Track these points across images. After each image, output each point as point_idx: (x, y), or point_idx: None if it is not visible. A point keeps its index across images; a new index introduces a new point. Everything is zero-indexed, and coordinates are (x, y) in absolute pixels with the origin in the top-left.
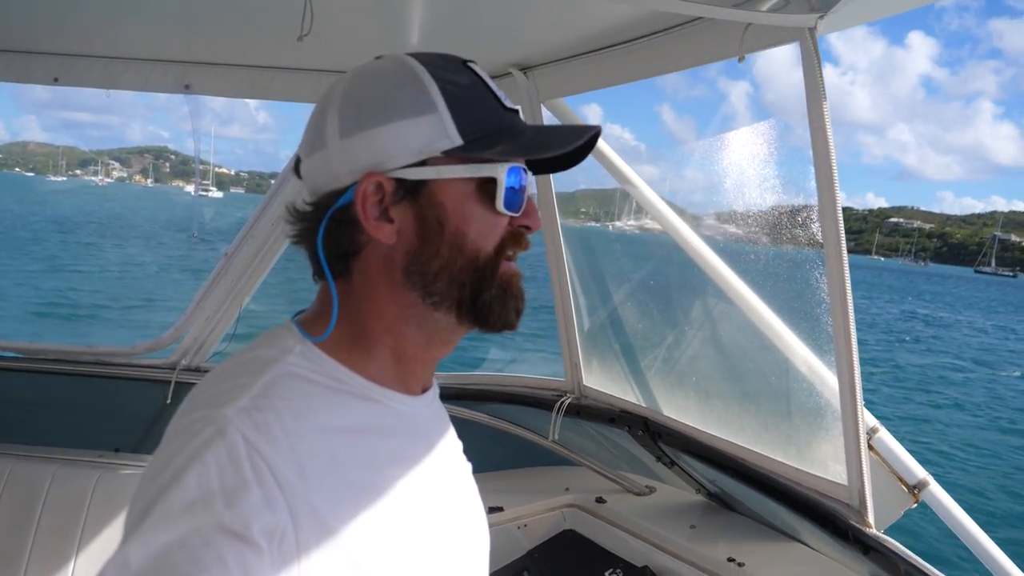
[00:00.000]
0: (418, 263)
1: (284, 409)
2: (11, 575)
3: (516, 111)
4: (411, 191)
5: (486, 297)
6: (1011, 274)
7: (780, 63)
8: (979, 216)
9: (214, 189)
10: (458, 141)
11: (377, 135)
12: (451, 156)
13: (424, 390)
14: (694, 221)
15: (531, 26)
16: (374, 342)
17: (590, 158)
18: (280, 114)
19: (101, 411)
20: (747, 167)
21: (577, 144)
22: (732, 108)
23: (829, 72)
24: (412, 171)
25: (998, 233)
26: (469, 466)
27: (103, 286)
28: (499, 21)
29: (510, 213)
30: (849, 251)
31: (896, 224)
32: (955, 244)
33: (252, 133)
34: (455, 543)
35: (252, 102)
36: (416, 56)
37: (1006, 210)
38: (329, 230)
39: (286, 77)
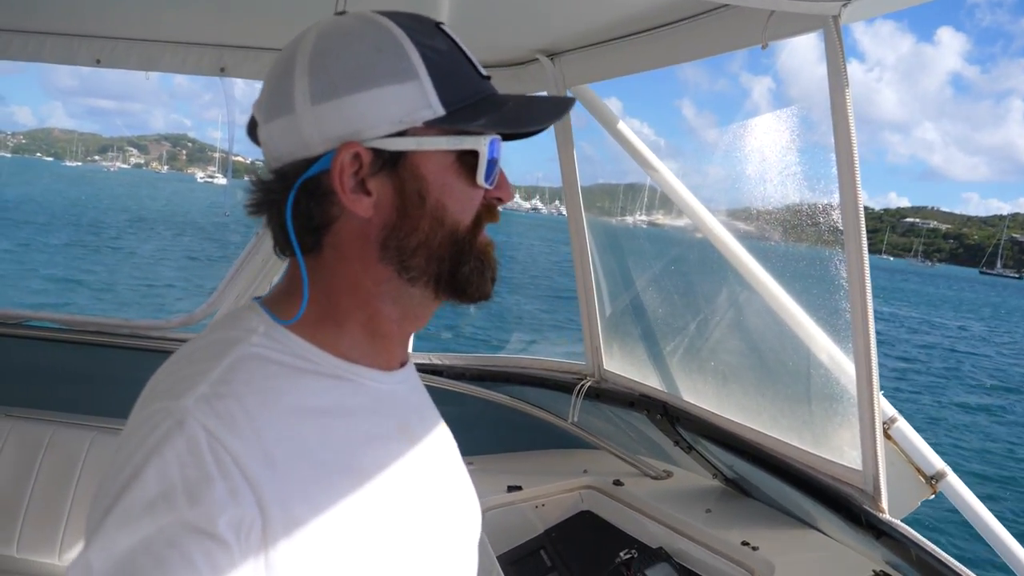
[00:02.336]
0: (396, 237)
1: (247, 394)
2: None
3: (489, 78)
4: (390, 162)
5: (465, 270)
6: (1016, 275)
7: (803, 59)
8: (1001, 218)
9: (219, 176)
10: (440, 111)
11: (355, 102)
12: (432, 127)
13: (401, 365)
14: (716, 215)
15: (558, 12)
16: (345, 318)
17: (615, 145)
18: None
19: (136, 382)
20: (770, 158)
21: (559, 118)
22: (754, 104)
23: (855, 68)
24: (392, 141)
25: (1016, 235)
26: (454, 442)
27: None
28: (526, 6)
29: (486, 186)
30: None
31: (912, 224)
32: (971, 245)
33: None
34: (437, 520)
35: None
36: (388, 15)
37: None
38: (298, 201)
39: None
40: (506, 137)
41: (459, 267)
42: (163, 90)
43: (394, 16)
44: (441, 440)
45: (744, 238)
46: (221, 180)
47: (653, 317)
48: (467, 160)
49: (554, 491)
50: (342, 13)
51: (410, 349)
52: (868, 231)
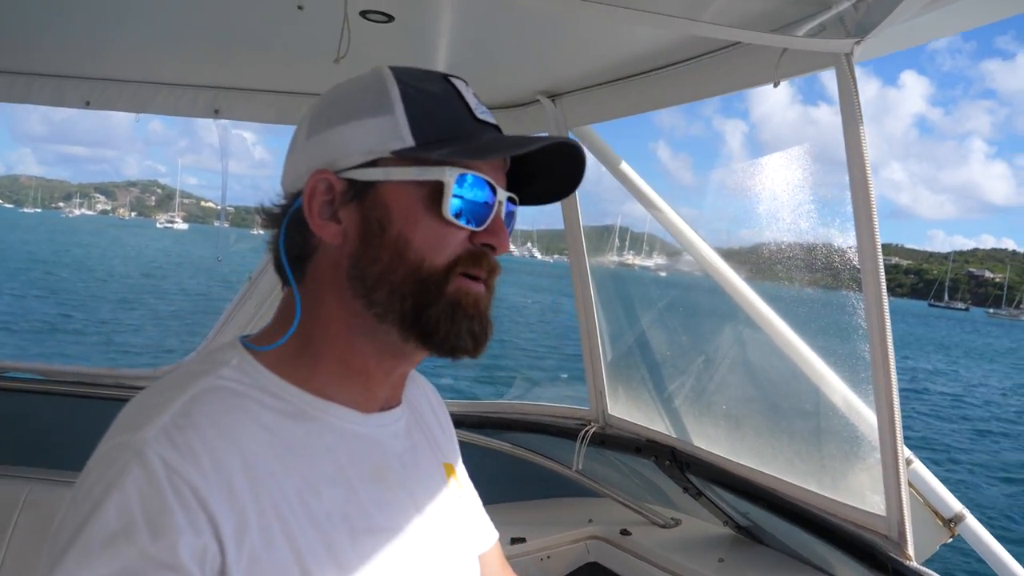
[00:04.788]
0: (358, 267)
1: (207, 426)
2: None
3: (491, 125)
4: (360, 192)
5: (431, 313)
6: (963, 308)
7: (775, 104)
8: (961, 253)
9: (179, 221)
10: (409, 142)
11: (335, 134)
12: (402, 158)
13: (388, 407)
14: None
15: (560, 53)
16: (320, 351)
17: (617, 185)
18: (278, 149)
19: None
20: (776, 197)
21: (526, 150)
22: (729, 148)
23: (824, 111)
24: (362, 171)
25: (974, 269)
26: (452, 495)
27: None
28: (527, 48)
29: (461, 224)
30: None
31: None
32: (930, 280)
33: (248, 168)
34: (410, 571)
35: (249, 137)
36: (396, 68)
37: (989, 247)
38: (289, 231)
39: None
40: (530, 200)
41: (424, 308)
42: (137, 136)
43: (402, 68)
44: (429, 492)
45: (754, 284)
46: (181, 225)
47: (658, 360)
48: (437, 194)
49: (559, 542)
50: (340, 59)
51: None
52: None
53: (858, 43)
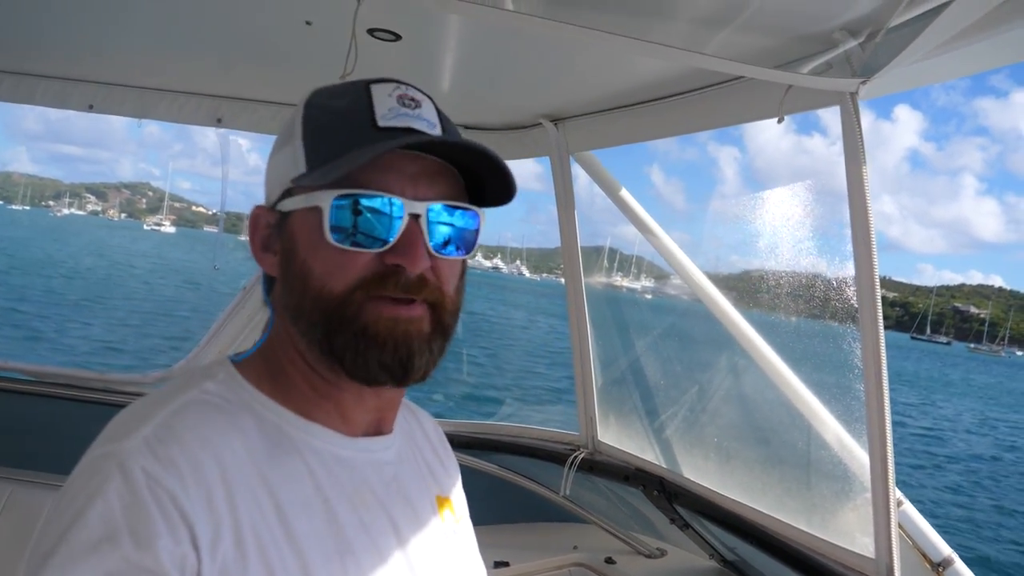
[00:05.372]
0: (284, 297)
1: (188, 439)
2: None
3: (401, 129)
4: (280, 223)
5: (338, 343)
6: (945, 342)
7: (769, 137)
8: (948, 288)
9: (166, 224)
10: (302, 168)
11: (268, 169)
12: (298, 186)
13: (378, 433)
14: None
15: (564, 79)
16: (289, 373)
17: (608, 207)
18: None
19: None
20: (776, 231)
21: (369, 156)
22: (723, 174)
23: (817, 141)
24: (282, 203)
25: (959, 304)
26: (441, 527)
27: None
28: (532, 72)
29: (350, 247)
30: None
31: None
32: (916, 313)
33: (243, 175)
34: None
35: (245, 144)
36: (318, 90)
37: (976, 283)
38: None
39: None
40: (487, 202)
41: (333, 338)
42: (132, 139)
43: (322, 89)
44: (414, 521)
45: (743, 310)
46: (169, 229)
47: (651, 388)
48: (321, 219)
49: (543, 568)
50: (347, 76)
51: None
52: None
53: (864, 83)
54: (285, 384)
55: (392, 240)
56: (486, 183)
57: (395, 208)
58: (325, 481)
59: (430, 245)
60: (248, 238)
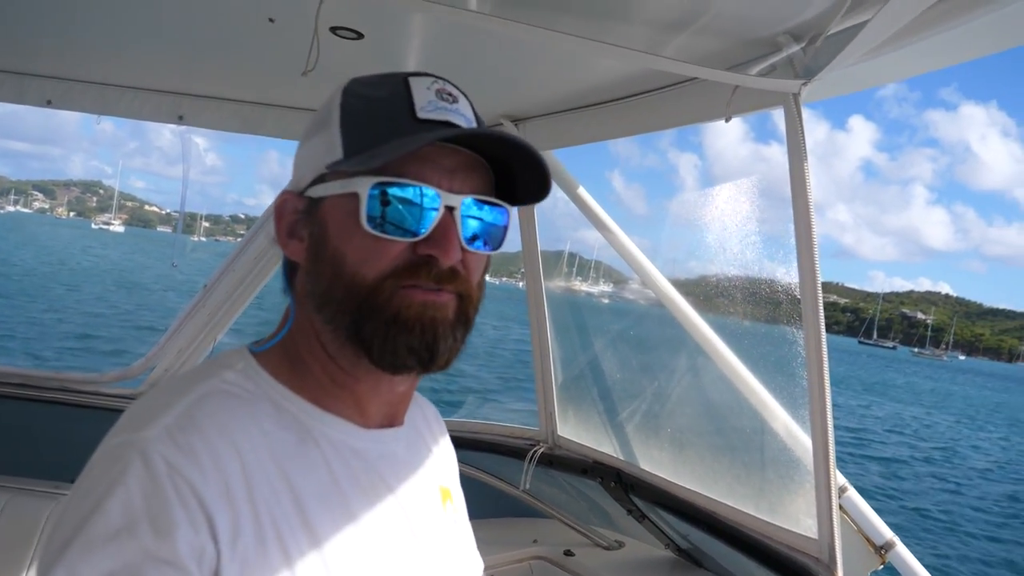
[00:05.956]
0: (310, 284)
1: (209, 428)
2: None
3: (440, 123)
4: (311, 210)
5: (367, 330)
6: (891, 346)
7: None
8: (897, 294)
9: (115, 223)
10: (339, 154)
11: (299, 153)
12: (334, 172)
13: (391, 425)
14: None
15: (524, 79)
16: (307, 364)
17: (571, 211)
18: (231, 156)
19: (62, 439)
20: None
21: (424, 142)
22: (680, 179)
23: (775, 150)
24: (313, 189)
25: (907, 310)
26: (452, 518)
27: None
28: (493, 72)
29: (386, 235)
30: None
31: None
32: (866, 318)
33: (200, 175)
34: None
35: (202, 143)
36: (357, 78)
37: (924, 290)
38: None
39: (280, 115)
40: (517, 200)
41: (362, 324)
42: (85, 135)
43: (361, 78)
44: (424, 512)
45: (699, 311)
46: (117, 228)
47: (608, 383)
48: (359, 206)
49: (503, 561)
50: (308, 72)
51: None
52: None
53: (805, 84)
54: (304, 374)
55: (426, 231)
56: (517, 179)
57: (431, 199)
58: (341, 472)
59: (462, 238)
60: (274, 224)
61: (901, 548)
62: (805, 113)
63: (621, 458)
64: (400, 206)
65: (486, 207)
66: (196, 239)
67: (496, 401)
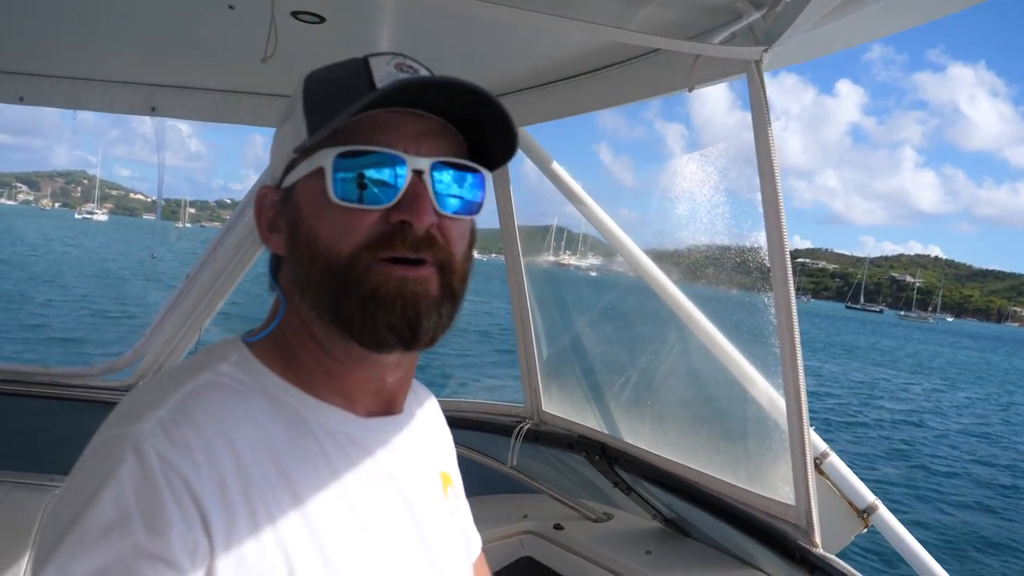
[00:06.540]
0: (292, 272)
1: (203, 422)
2: None
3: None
4: (285, 199)
5: (345, 307)
6: (878, 310)
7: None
8: (886, 258)
9: (99, 212)
10: (303, 136)
11: (271, 149)
12: (300, 154)
13: (389, 413)
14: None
15: (494, 56)
16: (299, 354)
17: (546, 181)
18: (214, 142)
19: (53, 433)
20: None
21: (373, 96)
22: (668, 149)
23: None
24: (287, 178)
25: (896, 274)
26: (452, 504)
27: None
28: (461, 52)
29: (357, 204)
30: None
31: (803, 264)
32: (855, 283)
33: (184, 161)
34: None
35: (185, 129)
36: (318, 68)
37: (914, 253)
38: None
39: (252, 102)
40: (490, 163)
41: (341, 303)
42: (67, 125)
43: (322, 66)
44: (425, 499)
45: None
46: (101, 217)
47: (591, 358)
48: (324, 180)
49: (494, 537)
50: (268, 59)
51: None
52: None
53: (766, 51)
54: (296, 364)
55: (396, 197)
56: (489, 142)
57: (398, 164)
58: (339, 462)
59: (435, 203)
60: (255, 220)
61: (884, 511)
62: (791, 79)
63: (605, 432)
64: (367, 172)
65: (457, 171)
66: (181, 225)
67: (494, 377)
